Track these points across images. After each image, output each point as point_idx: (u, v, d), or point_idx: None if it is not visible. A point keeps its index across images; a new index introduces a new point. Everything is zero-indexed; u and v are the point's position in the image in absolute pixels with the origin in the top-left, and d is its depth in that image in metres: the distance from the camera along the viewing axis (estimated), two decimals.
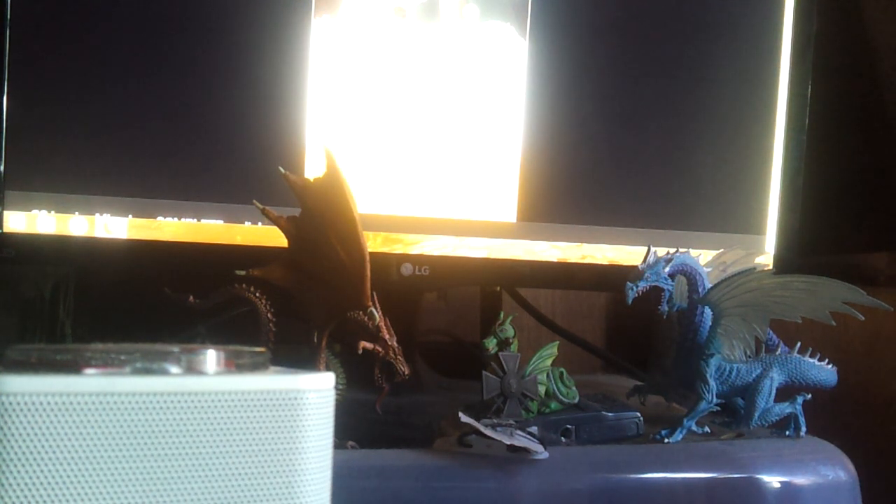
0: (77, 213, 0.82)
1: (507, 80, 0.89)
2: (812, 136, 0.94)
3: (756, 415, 0.74)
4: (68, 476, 0.42)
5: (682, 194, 0.93)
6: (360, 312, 0.68)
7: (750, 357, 0.75)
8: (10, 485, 0.41)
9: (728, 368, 0.74)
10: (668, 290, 0.74)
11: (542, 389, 0.73)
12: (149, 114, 0.83)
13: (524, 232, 0.90)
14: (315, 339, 0.68)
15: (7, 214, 0.82)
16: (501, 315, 0.76)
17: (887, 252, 1.05)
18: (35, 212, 0.82)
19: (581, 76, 0.90)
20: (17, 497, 0.41)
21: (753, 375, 0.75)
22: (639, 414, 0.75)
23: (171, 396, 0.44)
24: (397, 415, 0.77)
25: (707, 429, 0.76)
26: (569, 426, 0.72)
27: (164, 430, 0.43)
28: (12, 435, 0.41)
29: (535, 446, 0.64)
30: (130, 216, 0.83)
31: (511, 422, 0.68)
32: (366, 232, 0.64)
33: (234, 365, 0.47)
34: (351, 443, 0.67)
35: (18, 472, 0.41)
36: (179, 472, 0.44)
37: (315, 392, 0.47)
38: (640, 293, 0.72)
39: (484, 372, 0.71)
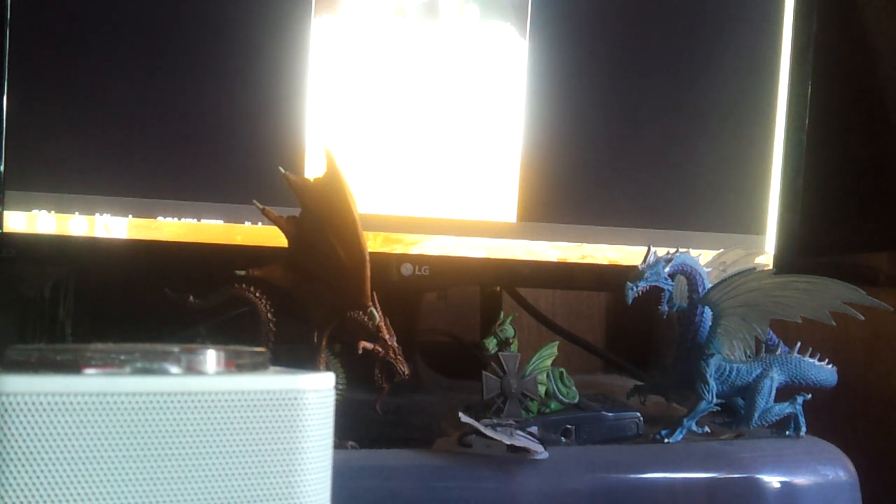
0: (77, 213, 0.82)
1: (507, 80, 0.89)
2: (812, 136, 0.94)
3: (756, 415, 0.74)
4: (68, 476, 0.42)
5: (682, 194, 0.93)
6: (360, 312, 0.68)
7: (750, 357, 0.75)
8: (10, 485, 0.41)
9: (728, 368, 0.74)
10: (668, 290, 0.74)
11: (542, 389, 0.73)
12: (149, 114, 0.83)
13: (524, 232, 0.90)
14: (315, 339, 0.68)
15: (7, 214, 0.82)
16: (501, 315, 0.76)
17: (887, 252, 1.05)
18: (35, 212, 0.82)
19: (581, 76, 0.90)
20: (17, 497, 0.41)
21: (753, 375, 0.75)
22: (639, 414, 0.75)
23: (171, 396, 0.44)
24: (397, 415, 0.77)
25: (707, 429, 0.76)
26: (569, 426, 0.72)
27: (164, 430, 0.43)
28: (12, 435, 0.41)
29: (535, 446, 0.64)
30: (130, 216, 0.83)
31: (511, 422, 0.68)
32: (366, 232, 0.64)
33: (234, 365, 0.47)
34: (351, 443, 0.67)
35: (18, 472, 0.41)
36: (179, 472, 0.44)
37: (315, 392, 0.47)
38: (640, 293, 0.72)
39: (484, 372, 0.71)
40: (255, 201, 0.66)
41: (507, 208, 0.90)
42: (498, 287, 1.03)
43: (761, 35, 0.93)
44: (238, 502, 0.45)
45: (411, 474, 0.64)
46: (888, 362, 1.01)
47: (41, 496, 0.41)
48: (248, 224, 0.85)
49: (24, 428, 0.41)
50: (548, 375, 0.74)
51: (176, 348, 0.45)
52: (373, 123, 0.87)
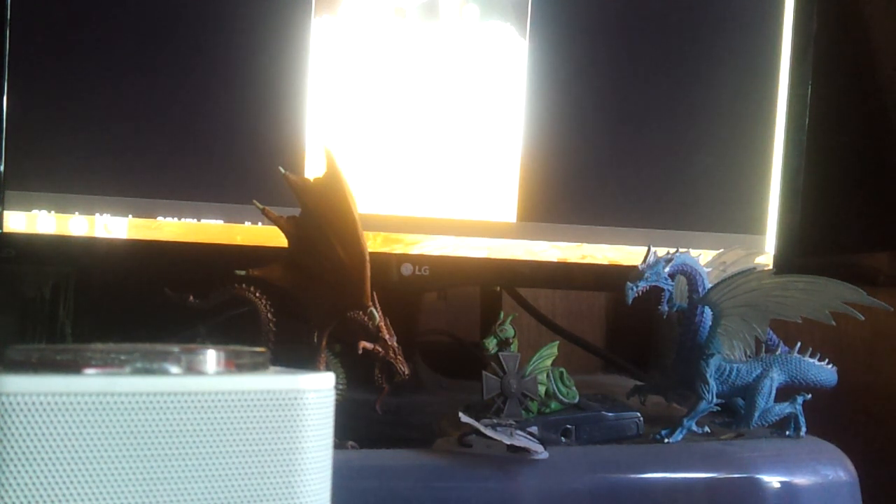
0: (77, 213, 0.82)
1: (507, 80, 0.89)
2: (812, 136, 0.94)
3: (756, 415, 0.74)
4: (68, 476, 0.42)
5: (682, 194, 0.93)
6: (360, 312, 0.68)
7: (750, 357, 0.75)
8: (10, 485, 0.41)
9: (728, 368, 0.74)
10: (668, 290, 0.74)
11: (542, 389, 0.73)
12: (149, 114, 0.83)
13: (524, 232, 0.90)
14: (315, 339, 0.68)
15: (7, 214, 0.82)
16: (501, 315, 0.76)
17: (887, 252, 1.05)
18: (35, 212, 0.82)
19: (581, 76, 0.90)
20: (17, 497, 0.41)
21: (753, 375, 0.75)
22: (639, 414, 0.75)
23: (171, 396, 0.44)
24: (397, 415, 0.77)
25: (707, 429, 0.76)
26: (569, 426, 0.72)
27: (164, 430, 0.43)
28: (12, 435, 0.41)
29: (535, 446, 0.64)
30: (130, 216, 0.83)
31: (511, 422, 0.68)
32: (366, 232, 0.64)
33: (234, 365, 0.47)
34: (351, 443, 0.67)
35: (18, 472, 0.41)
36: (179, 472, 0.44)
37: (315, 392, 0.47)
38: (640, 293, 0.72)
39: (484, 372, 0.71)
40: (255, 201, 0.66)
41: (507, 208, 0.90)
42: (498, 287, 1.03)
43: (761, 35, 0.93)
44: (238, 502, 0.45)
45: (411, 474, 0.64)
46: (888, 362, 1.01)
47: (41, 496, 0.41)
48: (248, 224, 0.85)
49: (24, 428, 0.41)
50: (548, 375, 0.74)
51: (176, 348, 0.45)
52: (373, 123, 0.87)
